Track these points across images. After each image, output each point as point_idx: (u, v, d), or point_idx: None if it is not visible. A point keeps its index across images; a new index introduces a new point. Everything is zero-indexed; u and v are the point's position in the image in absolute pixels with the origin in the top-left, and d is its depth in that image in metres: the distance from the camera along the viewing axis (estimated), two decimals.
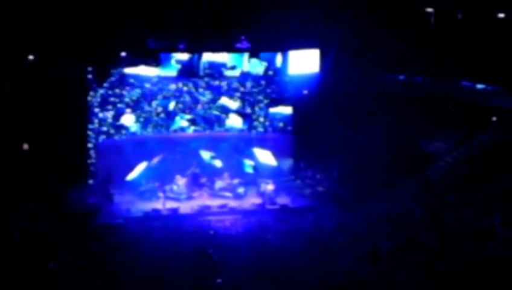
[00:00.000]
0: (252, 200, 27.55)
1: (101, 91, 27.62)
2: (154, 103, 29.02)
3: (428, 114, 29.74)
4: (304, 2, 28.61)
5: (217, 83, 29.36)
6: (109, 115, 28.15)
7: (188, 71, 28.19)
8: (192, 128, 29.68)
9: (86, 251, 21.07)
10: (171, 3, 27.67)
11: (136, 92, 28.58)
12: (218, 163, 29.09)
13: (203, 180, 28.54)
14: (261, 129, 30.21)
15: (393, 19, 30.34)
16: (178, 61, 27.80)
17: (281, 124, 30.19)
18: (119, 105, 28.33)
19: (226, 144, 29.60)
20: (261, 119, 30.17)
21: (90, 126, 27.55)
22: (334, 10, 28.83)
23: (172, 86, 29.00)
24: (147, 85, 28.58)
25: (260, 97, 30.07)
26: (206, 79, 29.07)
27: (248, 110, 30.03)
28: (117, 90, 28.15)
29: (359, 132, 28.67)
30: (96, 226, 24.02)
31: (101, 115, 27.88)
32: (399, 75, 31.92)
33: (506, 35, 31.06)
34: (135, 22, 26.91)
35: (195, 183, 28.41)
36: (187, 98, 29.44)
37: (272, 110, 30.08)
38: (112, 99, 28.12)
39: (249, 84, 29.78)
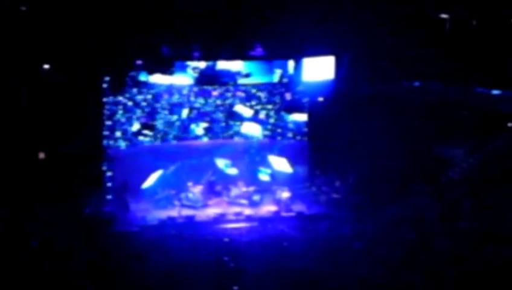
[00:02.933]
0: (267, 208, 27.51)
1: (117, 99, 27.72)
2: (169, 111, 29.08)
3: (443, 120, 29.68)
4: (318, 9, 28.58)
5: (231, 90, 29.45)
6: (125, 123, 28.23)
7: (202, 79, 28.28)
8: (207, 136, 29.72)
9: (102, 259, 21.12)
10: (186, 11, 27.71)
11: (151, 100, 28.67)
12: (233, 171, 29.10)
13: (219, 188, 28.60)
14: (276, 136, 30.19)
15: (408, 25, 30.33)
16: (193, 69, 27.90)
17: (296, 131, 30.15)
18: (134, 113, 28.42)
19: (241, 151, 29.59)
20: (276, 127, 30.16)
21: (106, 135, 27.64)
22: (348, 16, 28.82)
23: (187, 94, 29.08)
24: (162, 93, 28.68)
25: (275, 104, 30.07)
26: (220, 87, 29.18)
27: (263, 117, 30.03)
28: (132, 98, 28.24)
29: (374, 139, 28.61)
30: (112, 234, 24.07)
31: (116, 123, 27.97)
32: (414, 82, 31.87)
33: None
34: (150, 30, 26.98)
35: (210, 191, 28.48)
36: (202, 106, 29.50)
37: (287, 117, 30.06)
38: (127, 107, 28.22)
39: (263, 92, 29.83)
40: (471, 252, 21.48)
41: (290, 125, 30.08)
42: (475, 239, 22.51)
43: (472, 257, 21.18)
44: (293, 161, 29.52)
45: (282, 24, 28.26)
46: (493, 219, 24.12)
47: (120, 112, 27.99)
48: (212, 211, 26.96)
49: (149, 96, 28.54)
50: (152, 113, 28.79)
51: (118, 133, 28.08)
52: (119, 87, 27.68)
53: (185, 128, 29.41)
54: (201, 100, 29.45)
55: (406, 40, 29.97)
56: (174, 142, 29.28)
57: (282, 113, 30.07)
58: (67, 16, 26.94)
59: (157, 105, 28.80)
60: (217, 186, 28.64)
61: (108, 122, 27.68)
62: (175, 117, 29.17)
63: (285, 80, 29.24)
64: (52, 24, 26.90)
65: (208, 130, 29.66)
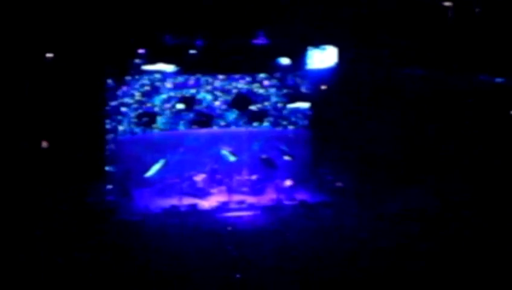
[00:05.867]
0: (270, 196, 27.50)
1: (119, 87, 27.71)
2: (172, 100, 29.04)
3: (446, 109, 29.61)
4: None
5: (235, 79, 29.46)
6: (127, 111, 28.22)
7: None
8: (210, 124, 29.69)
9: (105, 248, 21.11)
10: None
11: (154, 88, 28.64)
12: (236, 159, 29.04)
13: (221, 176, 28.57)
14: (279, 125, 30.16)
15: (411, 13, 30.22)
16: (197, 57, 27.89)
17: (299, 120, 30.13)
18: (137, 101, 28.40)
19: (244, 139, 29.56)
20: (279, 115, 30.12)
21: (109, 123, 27.63)
22: (351, 4, 28.73)
23: (191, 82, 29.03)
24: (166, 82, 28.64)
25: (278, 92, 30.03)
26: (224, 75, 29.18)
27: (266, 105, 30.00)
28: (135, 87, 28.23)
29: (378, 128, 28.58)
30: (114, 223, 24.06)
31: (118, 111, 27.96)
32: (417, 70, 31.76)
33: None
34: (153, 18, 26.91)
35: (213, 179, 28.44)
36: (205, 95, 29.45)
37: (290, 105, 30.02)
38: (130, 95, 28.21)
39: (266, 80, 29.80)
40: (473, 243, 21.44)
41: (294, 114, 30.08)
42: (477, 230, 22.47)
43: (474, 248, 21.13)
44: (295, 149, 29.47)
45: (286, 13, 28.17)
46: (496, 210, 24.11)
47: (122, 100, 28.01)
48: (214, 200, 26.94)
49: (152, 84, 28.54)
50: (155, 102, 28.80)
51: (120, 122, 28.11)
52: (122, 76, 27.68)
53: (188, 116, 29.39)
54: (205, 89, 29.45)
55: (409, 28, 29.88)
56: (177, 130, 29.29)
57: (286, 101, 30.06)
58: (69, 3, 26.87)
59: (160, 93, 28.81)
60: (219, 175, 28.62)
61: (111, 111, 27.69)
62: (178, 105, 29.13)
63: (287, 68, 29.26)
64: (55, 13, 26.82)
65: (210, 119, 29.64)
